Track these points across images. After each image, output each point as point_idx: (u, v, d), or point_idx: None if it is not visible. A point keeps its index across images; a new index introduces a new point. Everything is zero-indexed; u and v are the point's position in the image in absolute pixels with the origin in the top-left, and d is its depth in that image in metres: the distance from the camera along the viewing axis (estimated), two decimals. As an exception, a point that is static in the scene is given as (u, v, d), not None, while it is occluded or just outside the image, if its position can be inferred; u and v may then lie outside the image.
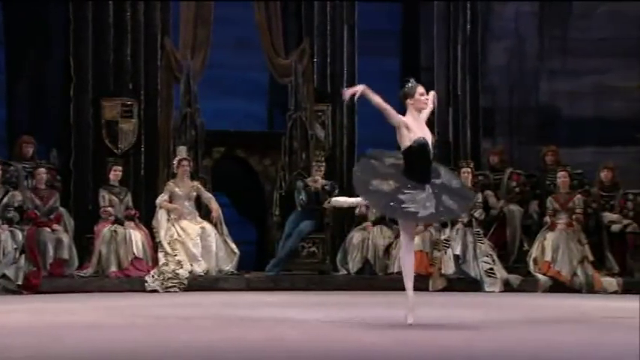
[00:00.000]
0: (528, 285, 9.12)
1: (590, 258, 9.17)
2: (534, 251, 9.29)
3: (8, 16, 10.42)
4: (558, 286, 8.99)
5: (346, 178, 10.67)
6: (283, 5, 10.58)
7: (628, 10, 10.71)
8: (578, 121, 10.87)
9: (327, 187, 9.80)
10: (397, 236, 9.66)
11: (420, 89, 5.89)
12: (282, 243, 9.60)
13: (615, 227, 9.47)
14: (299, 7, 10.77)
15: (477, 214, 9.48)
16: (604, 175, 9.66)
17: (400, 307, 7.19)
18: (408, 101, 5.87)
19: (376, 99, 5.73)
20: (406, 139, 5.73)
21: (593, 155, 10.43)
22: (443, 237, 9.40)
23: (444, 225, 9.51)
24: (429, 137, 5.81)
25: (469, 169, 9.67)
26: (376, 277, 9.47)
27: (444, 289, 9.12)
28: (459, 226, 9.37)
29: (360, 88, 5.81)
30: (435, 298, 8.34)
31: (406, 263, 5.93)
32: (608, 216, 9.56)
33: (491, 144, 10.89)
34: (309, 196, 9.71)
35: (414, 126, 5.76)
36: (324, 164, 9.91)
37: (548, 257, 9.14)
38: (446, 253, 9.30)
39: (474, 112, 10.80)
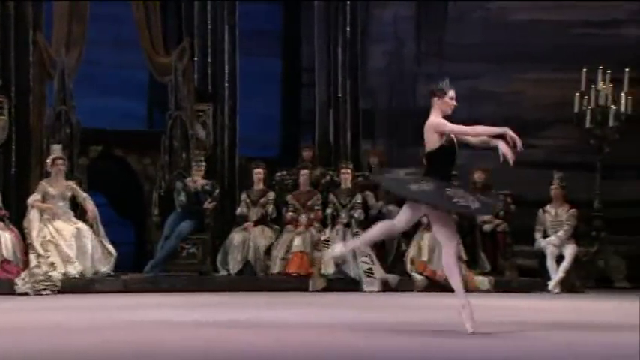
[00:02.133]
0: (406, 284, 9.31)
1: (464, 257, 9.44)
2: (411, 251, 9.50)
3: None
4: (434, 286, 9.21)
5: (227, 179, 10.61)
6: (163, 4, 10.43)
7: (499, 15, 11.09)
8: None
9: (207, 188, 9.72)
10: (277, 237, 9.69)
11: (452, 92, 5.68)
12: (162, 243, 9.46)
13: (487, 227, 9.81)
14: (179, 6, 10.65)
15: (356, 215, 9.61)
16: (477, 176, 9.98)
17: (279, 307, 7.18)
18: (436, 99, 5.65)
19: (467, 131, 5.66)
20: (438, 140, 5.55)
21: (468, 157, 10.71)
22: (323, 237, 9.50)
23: (324, 225, 9.61)
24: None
25: (349, 170, 9.81)
26: (257, 278, 9.46)
27: (323, 289, 9.21)
28: (339, 226, 9.50)
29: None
30: (316, 298, 8.40)
31: (454, 267, 5.42)
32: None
33: (371, 145, 11.05)
34: (188, 197, 9.60)
35: None
36: (204, 164, 9.82)
37: (424, 257, 9.37)
38: (326, 253, 9.38)
39: (354, 114, 10.94)
